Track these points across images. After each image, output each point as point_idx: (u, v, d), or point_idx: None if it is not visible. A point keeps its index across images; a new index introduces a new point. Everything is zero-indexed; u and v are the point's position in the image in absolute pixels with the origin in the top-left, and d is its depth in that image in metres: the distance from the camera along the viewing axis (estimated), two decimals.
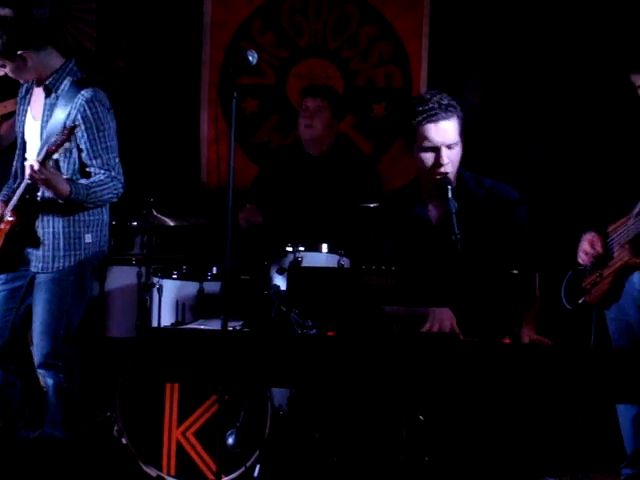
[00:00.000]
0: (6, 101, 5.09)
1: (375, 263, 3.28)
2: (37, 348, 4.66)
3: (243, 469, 4.41)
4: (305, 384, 3.90)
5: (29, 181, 4.42)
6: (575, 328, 4.39)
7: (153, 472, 4.55)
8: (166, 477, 4.54)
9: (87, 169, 4.54)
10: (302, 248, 4.89)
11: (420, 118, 3.97)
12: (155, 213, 5.42)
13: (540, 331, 3.92)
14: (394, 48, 6.30)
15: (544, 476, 4.45)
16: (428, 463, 3.79)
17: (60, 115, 4.49)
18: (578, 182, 5.52)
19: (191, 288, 5.24)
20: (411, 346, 3.12)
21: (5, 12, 4.42)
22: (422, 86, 6.25)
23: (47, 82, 4.55)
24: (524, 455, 3.96)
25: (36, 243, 4.57)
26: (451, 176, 4.00)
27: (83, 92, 4.50)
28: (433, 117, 3.96)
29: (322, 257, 4.94)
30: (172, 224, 5.43)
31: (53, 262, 4.56)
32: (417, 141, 4.01)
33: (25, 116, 4.69)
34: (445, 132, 3.97)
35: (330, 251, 4.93)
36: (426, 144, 3.99)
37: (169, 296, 5.24)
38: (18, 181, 4.63)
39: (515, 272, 3.23)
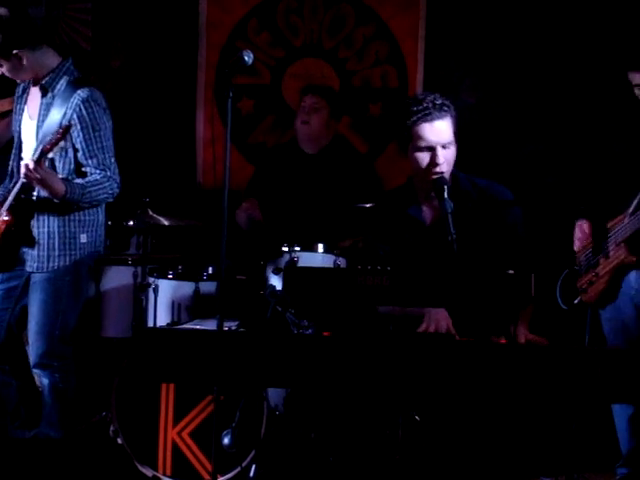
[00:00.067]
0: (3, 100, 5.09)
1: (371, 263, 3.28)
2: (32, 348, 4.66)
3: (239, 469, 4.41)
4: (301, 384, 3.90)
5: (24, 180, 4.42)
6: (569, 328, 4.39)
7: (149, 472, 4.55)
8: (162, 477, 4.54)
9: (83, 169, 4.54)
10: (298, 248, 4.88)
11: (415, 118, 3.98)
12: (151, 213, 5.42)
13: (534, 331, 3.93)
14: (390, 48, 6.30)
15: (540, 476, 4.45)
16: (424, 463, 3.79)
17: (56, 115, 4.49)
18: (574, 182, 5.52)
19: (187, 288, 5.23)
20: (407, 346, 3.12)
21: (0, 11, 4.42)
22: (418, 86, 6.25)
23: (43, 82, 4.55)
24: (520, 455, 3.96)
25: (31, 243, 4.57)
26: (446, 176, 4.01)
27: (79, 92, 4.50)
28: (428, 117, 3.97)
29: (318, 257, 4.93)
30: (168, 224, 5.43)
31: (48, 262, 4.56)
32: (412, 141, 4.02)
33: (22, 115, 4.70)
34: (440, 131, 3.98)
35: (326, 251, 4.92)
36: (421, 144, 3.99)
37: (165, 296, 5.24)
38: (14, 180, 4.63)
39: (511, 272, 3.24)
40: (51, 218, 4.56)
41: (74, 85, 4.52)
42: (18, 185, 4.49)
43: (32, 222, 4.57)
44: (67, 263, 4.58)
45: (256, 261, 5.04)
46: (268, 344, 3.20)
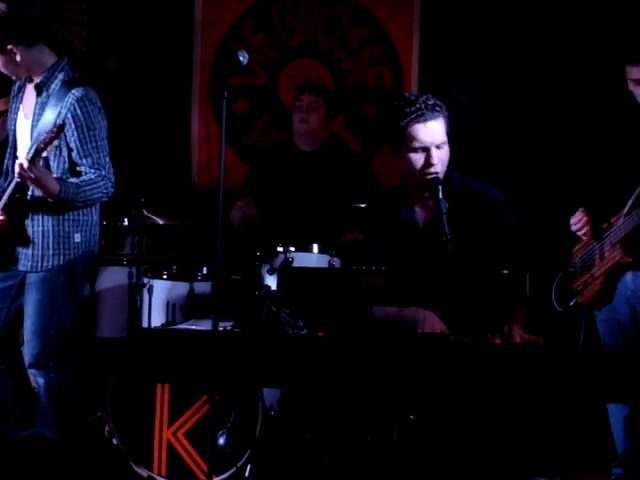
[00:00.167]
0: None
1: (365, 263, 3.28)
2: (28, 348, 4.65)
3: (234, 469, 4.41)
4: (296, 384, 3.90)
5: (19, 180, 4.42)
6: (564, 329, 4.39)
7: (144, 472, 4.55)
8: (157, 477, 4.54)
9: (77, 168, 4.54)
10: (293, 248, 4.88)
11: (408, 119, 3.98)
12: (146, 213, 5.41)
13: (529, 332, 3.93)
14: (385, 48, 6.30)
15: (535, 476, 4.45)
16: (419, 463, 3.79)
17: (51, 114, 4.49)
18: (569, 182, 5.52)
19: (181, 288, 5.23)
20: (402, 346, 3.12)
21: None
22: (413, 86, 6.25)
23: (38, 81, 4.55)
24: (515, 455, 3.96)
25: (26, 242, 4.57)
26: (441, 176, 4.01)
27: (74, 91, 4.49)
28: (421, 117, 3.97)
29: (313, 257, 4.93)
30: (162, 224, 5.42)
31: (42, 261, 4.56)
32: (406, 142, 4.02)
33: (17, 114, 4.69)
34: (433, 132, 3.98)
35: (321, 251, 4.93)
36: (415, 145, 3.99)
37: (159, 296, 5.23)
38: (9, 180, 4.62)
39: (505, 272, 3.24)
40: (45, 217, 4.55)
41: (69, 84, 4.52)
42: (12, 184, 4.48)
43: (26, 221, 4.57)
44: (61, 262, 4.58)
45: (251, 261, 5.04)
46: (263, 344, 3.20)
